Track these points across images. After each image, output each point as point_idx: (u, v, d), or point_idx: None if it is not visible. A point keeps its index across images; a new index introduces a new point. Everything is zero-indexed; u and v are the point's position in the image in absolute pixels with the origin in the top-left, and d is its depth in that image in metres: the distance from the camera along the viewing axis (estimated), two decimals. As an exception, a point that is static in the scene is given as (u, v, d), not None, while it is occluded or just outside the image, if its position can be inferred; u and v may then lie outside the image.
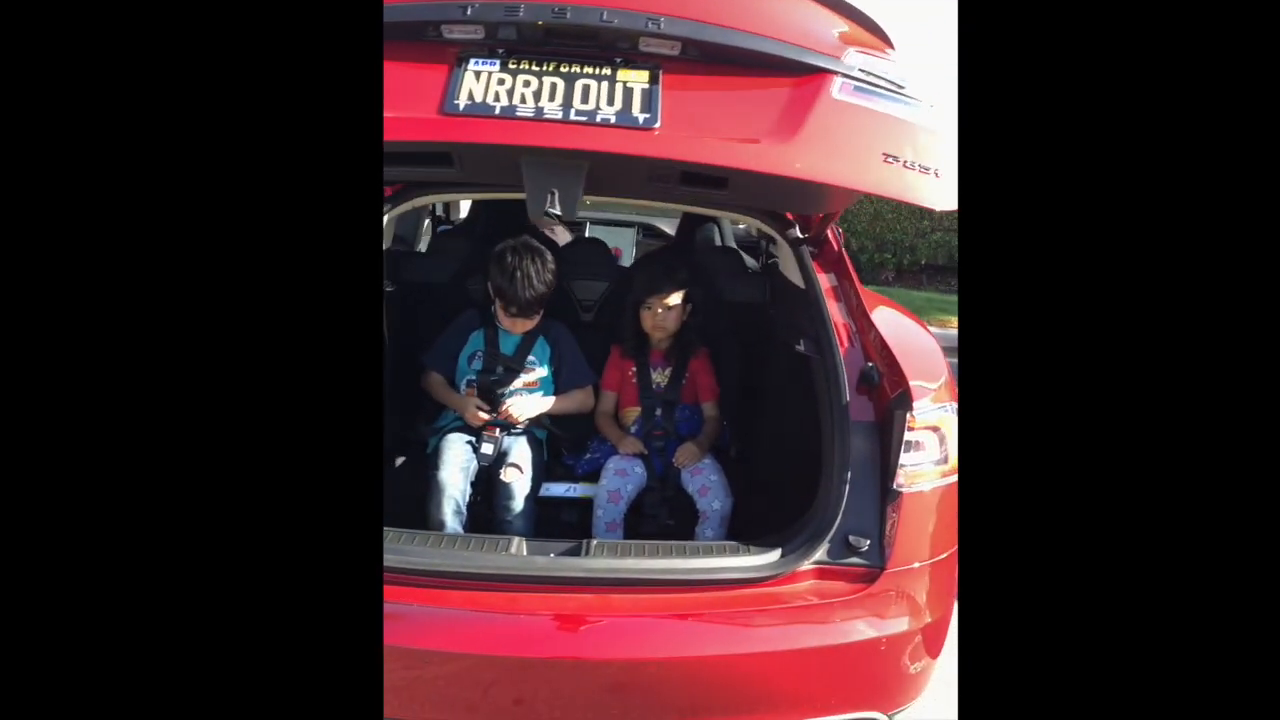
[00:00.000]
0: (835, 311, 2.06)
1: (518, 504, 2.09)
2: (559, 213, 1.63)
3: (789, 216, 2.36)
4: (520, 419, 2.24)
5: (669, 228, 4.59)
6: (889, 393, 1.83)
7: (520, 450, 2.20)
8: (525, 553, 1.68)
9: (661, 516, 2.22)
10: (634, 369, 2.42)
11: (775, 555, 1.69)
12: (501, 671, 1.60)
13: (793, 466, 2.16)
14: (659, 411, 2.36)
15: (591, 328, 2.58)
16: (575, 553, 1.69)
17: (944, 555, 1.76)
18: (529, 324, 2.33)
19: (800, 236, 2.33)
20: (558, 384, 2.38)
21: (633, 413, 2.40)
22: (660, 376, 2.41)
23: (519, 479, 2.11)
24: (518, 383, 2.33)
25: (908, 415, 1.73)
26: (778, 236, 2.36)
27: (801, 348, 2.01)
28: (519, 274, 2.23)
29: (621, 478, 2.18)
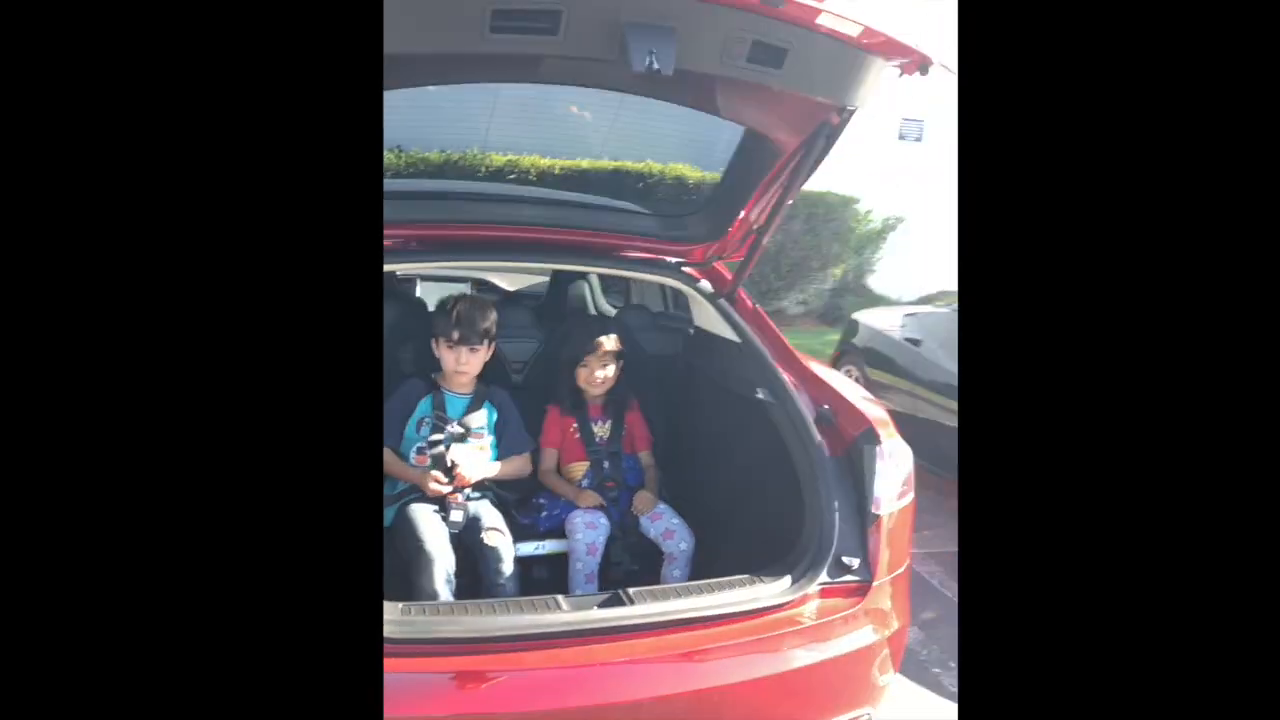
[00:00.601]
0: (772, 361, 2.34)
1: (507, 566, 2.14)
2: (659, 67, 1.60)
3: (696, 275, 2.61)
4: (471, 480, 2.28)
5: (505, 284, 4.69)
6: (846, 431, 2.13)
7: (491, 514, 2.25)
8: (577, 609, 1.77)
9: (626, 563, 2.36)
10: (575, 425, 2.54)
11: (787, 582, 1.91)
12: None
13: (735, 503, 2.40)
14: (607, 464, 2.50)
15: (523, 389, 2.66)
16: (619, 602, 1.80)
17: (903, 567, 2.08)
18: (474, 362, 2.38)
19: (714, 292, 2.59)
20: (500, 449, 2.45)
21: (580, 467, 2.52)
22: (601, 430, 2.55)
23: (503, 541, 2.16)
24: (469, 446, 2.37)
25: (876, 449, 2.03)
26: (693, 292, 2.61)
27: (762, 395, 2.26)
28: (459, 306, 2.36)
29: (592, 530, 2.29)
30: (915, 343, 4.81)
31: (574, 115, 2.51)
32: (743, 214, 2.46)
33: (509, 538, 2.19)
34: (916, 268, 9.04)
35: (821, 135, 2.11)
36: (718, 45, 1.66)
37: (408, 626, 1.64)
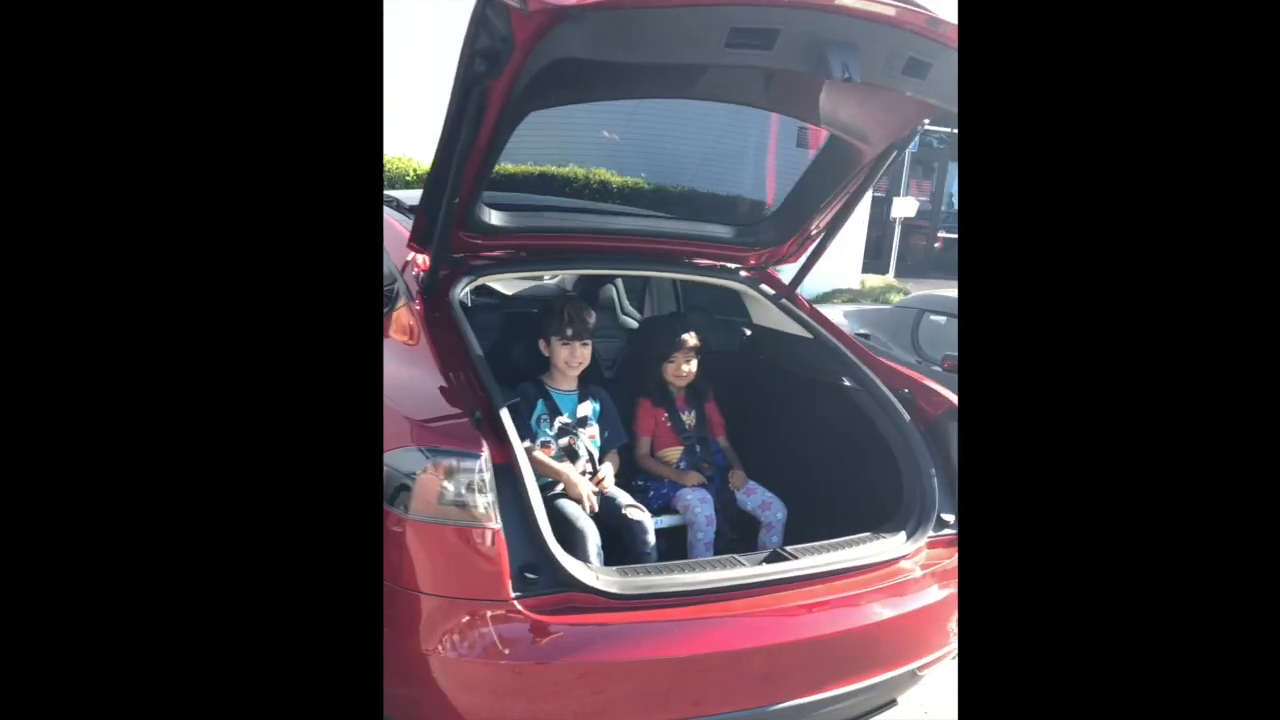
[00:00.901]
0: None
1: (650, 537, 2.40)
2: (851, 76, 1.85)
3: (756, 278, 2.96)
4: (610, 487, 2.56)
5: (502, 288, 4.86)
6: (926, 410, 2.51)
7: (623, 494, 2.52)
8: (755, 565, 2.07)
9: (726, 533, 2.67)
10: (665, 415, 2.83)
11: (903, 537, 2.27)
12: (756, 658, 1.97)
13: (823, 475, 2.75)
14: (698, 448, 2.81)
15: (613, 383, 2.92)
16: (781, 559, 2.11)
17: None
18: (584, 356, 2.62)
19: (774, 292, 2.94)
20: (604, 440, 2.71)
21: (674, 451, 2.81)
22: (688, 418, 2.85)
23: (644, 516, 2.43)
24: (584, 438, 2.62)
25: (954, 425, 2.43)
26: (755, 293, 2.94)
27: (848, 383, 2.61)
28: (568, 307, 2.61)
29: (704, 505, 2.59)
30: (865, 337, 5.29)
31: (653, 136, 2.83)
32: (808, 222, 2.81)
33: (647, 513, 2.46)
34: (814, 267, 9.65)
35: (896, 146, 2.49)
36: (884, 59, 1.98)
37: (629, 585, 1.90)
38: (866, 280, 12.11)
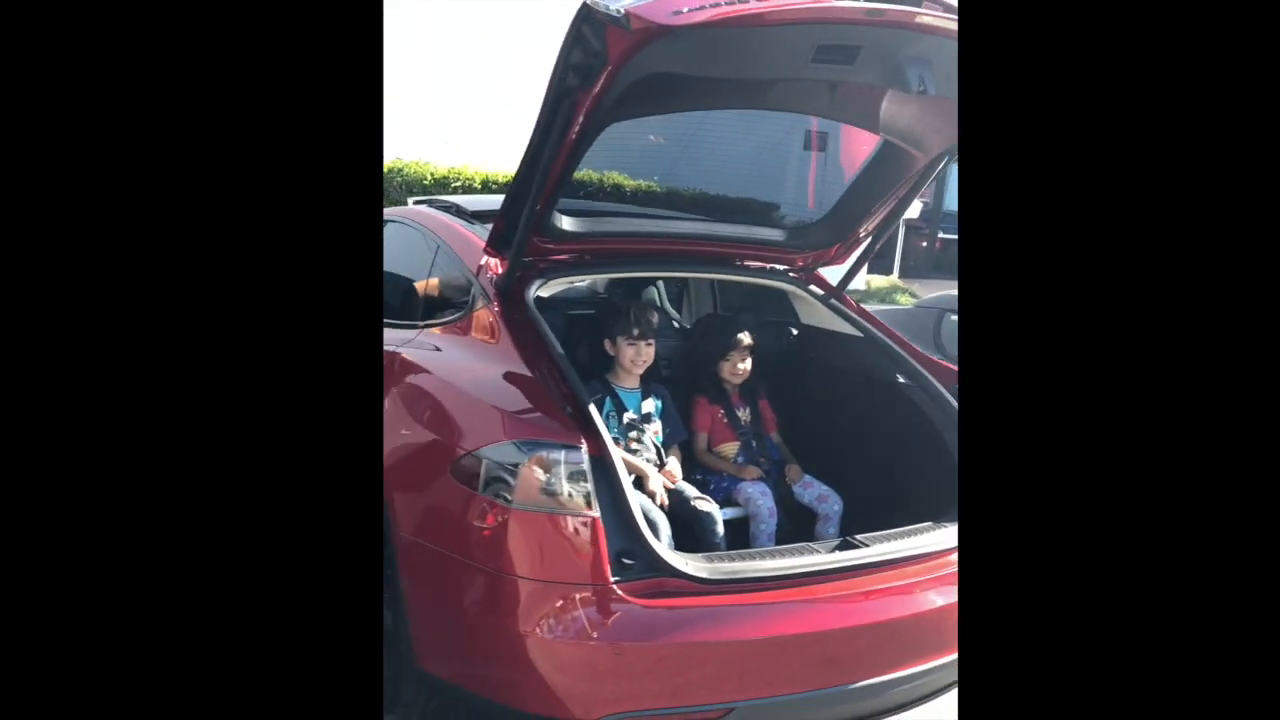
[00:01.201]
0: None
1: (720, 528, 2.51)
2: (926, 88, 1.99)
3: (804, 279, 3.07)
4: (678, 480, 2.67)
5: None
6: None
7: (690, 488, 2.63)
8: (824, 552, 2.18)
9: (785, 524, 2.78)
10: (722, 411, 2.94)
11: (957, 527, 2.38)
12: (833, 640, 2.08)
13: (876, 468, 2.85)
14: (754, 443, 2.92)
15: (669, 381, 3.03)
16: (852, 546, 2.22)
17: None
18: (649, 355, 2.74)
19: (822, 293, 3.05)
20: (666, 435, 2.82)
21: (731, 447, 2.92)
22: (743, 415, 2.96)
23: (713, 508, 2.54)
24: (649, 433, 2.73)
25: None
26: (804, 294, 3.06)
27: (902, 380, 2.73)
28: (634, 308, 2.74)
29: (765, 497, 2.70)
30: None
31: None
32: (857, 226, 2.93)
33: (715, 505, 2.57)
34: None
35: (949, 153, 2.60)
36: (949, 71, 2.10)
37: (716, 570, 2.01)
38: (872, 280, 12.27)
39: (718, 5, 1.72)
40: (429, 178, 8.45)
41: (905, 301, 10.83)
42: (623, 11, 1.75)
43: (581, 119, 2.05)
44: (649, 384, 2.84)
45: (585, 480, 1.93)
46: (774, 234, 2.98)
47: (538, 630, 1.93)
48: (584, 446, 1.95)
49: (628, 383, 2.78)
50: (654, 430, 2.76)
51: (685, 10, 1.71)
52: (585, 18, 1.85)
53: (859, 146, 2.83)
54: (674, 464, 2.71)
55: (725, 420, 2.94)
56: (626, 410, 2.73)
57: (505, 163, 8.99)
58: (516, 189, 2.28)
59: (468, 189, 8.31)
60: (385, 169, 8.32)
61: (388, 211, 3.68)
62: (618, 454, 2.04)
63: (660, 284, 4.17)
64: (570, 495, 1.92)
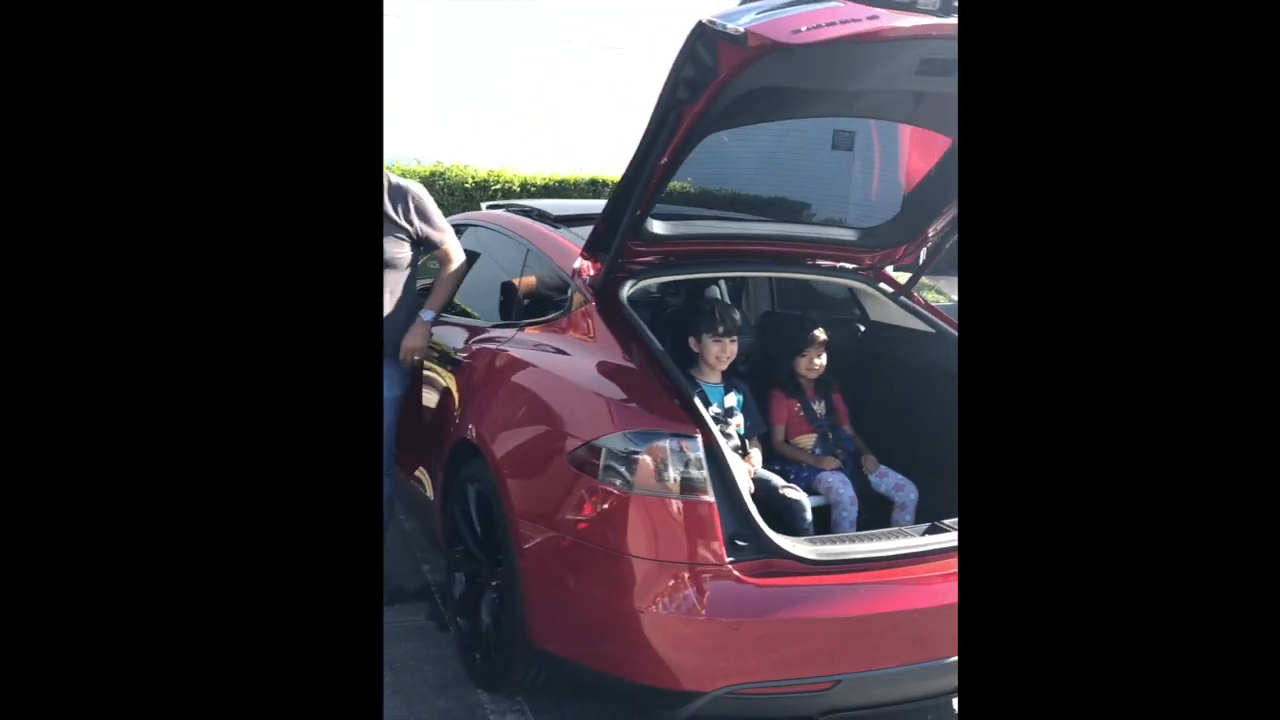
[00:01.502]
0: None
1: (808, 515, 2.65)
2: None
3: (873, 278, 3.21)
4: (760, 470, 2.81)
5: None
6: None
7: (776, 477, 2.77)
8: (915, 535, 2.32)
9: (862, 512, 2.91)
10: (798, 405, 3.08)
11: None
12: (927, 617, 2.21)
13: (935, 461, 2.98)
14: (830, 435, 3.05)
15: (746, 377, 3.17)
16: (940, 530, 2.35)
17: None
18: (733, 351, 2.87)
19: (891, 291, 3.18)
20: (746, 429, 2.96)
21: (808, 439, 3.05)
22: (819, 408, 3.10)
23: (802, 495, 2.68)
24: (732, 426, 2.87)
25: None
26: (874, 291, 3.19)
27: None
28: (718, 306, 2.88)
29: (846, 486, 2.83)
30: None
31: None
32: (927, 227, 3.06)
33: (803, 493, 2.70)
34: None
35: None
36: None
37: (822, 552, 2.15)
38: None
39: (833, 24, 1.85)
40: (470, 181, 8.62)
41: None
42: (742, 30, 1.88)
43: (685, 129, 2.19)
44: (730, 379, 2.97)
45: (701, 467, 2.07)
46: (845, 234, 3.11)
47: (654, 607, 2.06)
48: (699, 436, 2.09)
49: (711, 378, 2.91)
50: (736, 423, 2.90)
51: (804, 29, 1.84)
52: (699, 35, 1.99)
53: (920, 146, 2.95)
54: (756, 455, 2.84)
55: (801, 413, 3.07)
56: (711, 404, 2.87)
57: (539, 165, 9.17)
58: (619, 195, 2.42)
59: (507, 192, 8.47)
60: (427, 172, 8.50)
61: (464, 216, 3.83)
62: (725, 442, 2.18)
63: (721, 283, 4.31)
64: (689, 481, 2.06)
